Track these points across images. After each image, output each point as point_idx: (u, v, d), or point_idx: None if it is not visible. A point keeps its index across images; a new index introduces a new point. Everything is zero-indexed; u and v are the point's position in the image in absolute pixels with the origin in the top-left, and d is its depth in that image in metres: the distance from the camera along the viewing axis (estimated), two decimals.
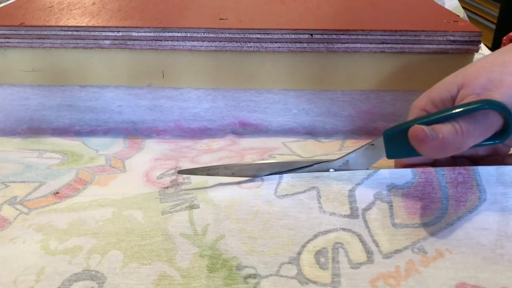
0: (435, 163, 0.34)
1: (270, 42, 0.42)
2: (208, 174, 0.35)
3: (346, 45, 0.42)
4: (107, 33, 0.42)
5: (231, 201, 0.31)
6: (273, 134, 0.45)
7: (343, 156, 0.33)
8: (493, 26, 1.72)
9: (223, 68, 0.43)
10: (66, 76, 0.44)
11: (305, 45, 0.42)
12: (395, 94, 0.44)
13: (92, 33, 0.42)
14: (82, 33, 0.42)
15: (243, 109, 0.45)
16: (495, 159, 0.33)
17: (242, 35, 0.41)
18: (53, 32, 0.42)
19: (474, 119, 0.28)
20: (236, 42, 0.42)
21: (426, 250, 0.28)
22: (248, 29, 0.41)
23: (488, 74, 0.30)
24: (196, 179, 0.36)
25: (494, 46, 1.55)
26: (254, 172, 0.34)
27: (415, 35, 0.41)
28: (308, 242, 0.29)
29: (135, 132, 0.46)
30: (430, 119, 0.29)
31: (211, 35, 0.42)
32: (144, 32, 0.42)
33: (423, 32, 0.41)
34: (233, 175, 0.34)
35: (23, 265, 0.29)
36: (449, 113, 0.28)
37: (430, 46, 0.42)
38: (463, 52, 0.42)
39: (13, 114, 0.46)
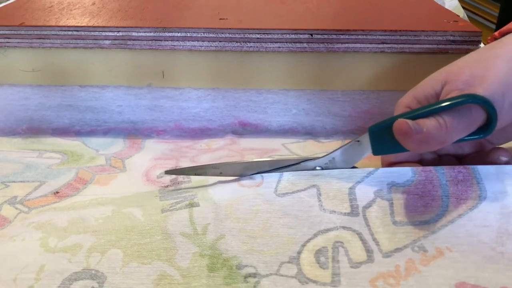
0: (421, 161, 0.34)
1: (270, 42, 0.42)
2: (196, 174, 0.35)
3: (346, 45, 0.42)
4: (107, 33, 0.42)
5: (231, 200, 0.31)
6: (273, 134, 0.45)
7: (329, 154, 0.33)
8: (493, 26, 1.72)
9: (223, 68, 0.43)
10: (66, 76, 0.44)
11: (305, 45, 0.42)
12: (395, 94, 0.44)
13: (92, 33, 0.42)
14: (82, 33, 0.42)
15: (243, 109, 0.45)
16: (480, 156, 0.33)
17: (242, 35, 0.41)
18: (53, 32, 0.42)
19: (457, 113, 0.29)
20: (236, 42, 0.42)
21: (427, 249, 0.28)
22: (248, 29, 0.41)
23: (471, 70, 0.30)
24: (196, 178, 0.36)
25: None
26: (242, 171, 0.34)
27: (415, 35, 0.41)
28: (308, 241, 0.29)
29: (135, 132, 0.46)
30: (414, 114, 0.29)
31: (211, 35, 0.42)
32: (144, 32, 0.42)
33: (423, 32, 0.41)
34: (220, 174, 0.34)
35: (22, 262, 0.29)
36: (433, 108, 0.29)
37: (430, 46, 0.42)
38: (463, 52, 0.42)
39: (13, 114, 0.46)
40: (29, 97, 0.45)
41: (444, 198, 0.30)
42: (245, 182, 0.33)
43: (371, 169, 0.31)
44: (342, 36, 0.41)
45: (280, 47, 0.42)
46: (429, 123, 0.28)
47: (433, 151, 0.35)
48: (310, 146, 0.43)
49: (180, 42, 0.42)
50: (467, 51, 0.42)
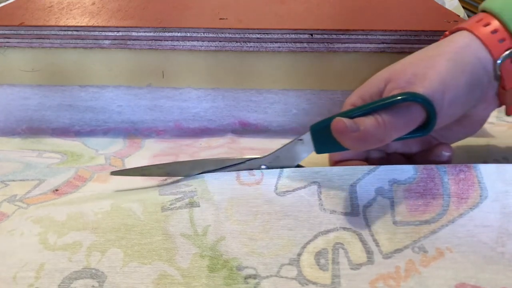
0: (367, 160, 0.35)
1: (270, 42, 0.42)
2: (141, 175, 0.35)
3: (346, 45, 0.42)
4: (107, 33, 0.42)
5: (231, 201, 0.31)
6: (273, 134, 0.45)
7: (273, 152, 0.33)
8: None
9: (223, 68, 0.43)
10: (66, 76, 0.44)
11: (305, 45, 0.42)
12: None
13: (92, 33, 0.42)
14: (82, 33, 0.42)
15: (243, 109, 0.45)
16: (427, 154, 0.33)
17: (242, 35, 0.41)
18: (52, 32, 0.42)
19: (396, 111, 0.29)
20: (236, 42, 0.42)
21: (427, 249, 0.28)
22: (248, 29, 0.41)
23: (414, 69, 0.30)
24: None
25: None
26: (188, 171, 0.34)
27: (415, 35, 0.41)
28: (308, 243, 0.29)
29: (135, 132, 0.46)
30: (354, 113, 0.29)
31: (211, 35, 0.42)
32: (144, 32, 0.42)
33: (423, 32, 0.41)
34: (167, 174, 0.34)
35: (22, 260, 0.29)
36: (372, 106, 0.29)
37: None
38: None
39: (12, 114, 0.46)
40: (28, 97, 0.45)
41: (445, 197, 0.30)
42: (245, 178, 0.32)
43: (372, 166, 0.31)
44: (342, 36, 0.41)
45: (280, 47, 0.42)
46: (367, 122, 0.29)
47: (381, 149, 0.35)
48: None
49: (180, 42, 0.42)
50: None
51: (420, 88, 0.29)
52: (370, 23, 0.43)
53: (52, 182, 0.37)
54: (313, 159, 0.33)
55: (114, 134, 0.46)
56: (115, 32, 0.42)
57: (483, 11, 0.32)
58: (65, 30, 0.42)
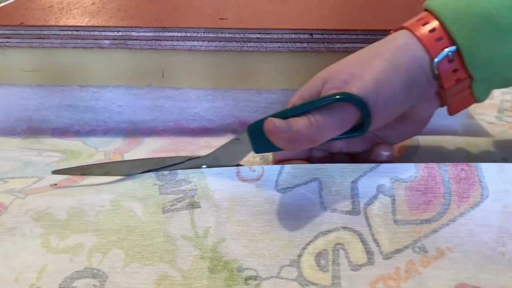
0: (309, 159, 0.35)
1: (270, 42, 0.42)
2: (82, 174, 0.34)
3: (346, 45, 0.42)
4: (106, 33, 0.42)
5: (231, 200, 0.31)
6: None
7: (212, 152, 0.33)
8: None
9: (223, 68, 0.43)
10: (65, 76, 0.44)
11: (305, 45, 0.42)
12: None
13: (92, 33, 0.42)
14: (82, 33, 0.42)
15: (243, 109, 0.45)
16: (371, 154, 0.33)
17: (242, 35, 0.41)
18: (52, 32, 0.42)
19: (329, 112, 0.29)
20: (236, 42, 0.42)
21: (427, 249, 0.28)
22: (248, 29, 0.41)
23: (351, 69, 0.30)
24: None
25: None
26: (129, 170, 0.34)
27: None
28: (308, 244, 0.29)
29: (134, 132, 0.46)
30: (289, 113, 0.29)
31: (211, 35, 0.42)
32: (144, 32, 0.42)
33: None
34: (107, 174, 0.34)
35: (24, 262, 0.29)
36: (306, 106, 0.29)
37: None
38: None
39: (12, 114, 0.45)
40: (28, 97, 0.45)
41: (446, 195, 0.30)
42: (245, 174, 0.32)
43: (374, 164, 0.31)
44: (342, 36, 0.41)
45: (280, 47, 0.42)
46: (300, 122, 0.29)
47: (323, 148, 0.35)
48: None
49: (180, 42, 0.42)
50: None
51: (355, 88, 0.29)
52: (370, 23, 0.43)
53: (51, 179, 0.37)
54: (254, 158, 0.33)
55: (114, 134, 0.46)
56: (115, 32, 0.42)
57: (425, 9, 0.32)
58: (65, 30, 0.42)
